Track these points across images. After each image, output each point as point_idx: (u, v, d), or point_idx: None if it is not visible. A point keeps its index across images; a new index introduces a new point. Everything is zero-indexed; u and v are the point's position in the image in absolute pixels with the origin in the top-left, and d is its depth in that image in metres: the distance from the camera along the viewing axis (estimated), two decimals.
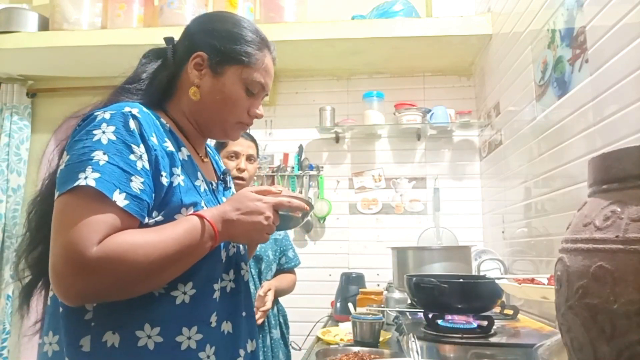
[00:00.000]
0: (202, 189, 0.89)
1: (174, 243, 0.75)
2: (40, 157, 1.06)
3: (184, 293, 0.81)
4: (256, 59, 0.93)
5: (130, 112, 0.80)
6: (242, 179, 1.75)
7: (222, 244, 0.88)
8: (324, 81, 2.87)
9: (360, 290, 2.02)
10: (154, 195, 0.79)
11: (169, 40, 0.97)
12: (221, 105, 0.92)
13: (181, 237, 0.76)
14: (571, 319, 0.50)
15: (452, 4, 2.51)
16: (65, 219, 0.72)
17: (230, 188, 1.05)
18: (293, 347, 2.08)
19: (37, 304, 0.88)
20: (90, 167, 0.73)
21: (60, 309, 0.79)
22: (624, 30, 1.11)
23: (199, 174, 0.90)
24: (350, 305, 1.85)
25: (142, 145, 0.78)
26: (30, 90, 2.99)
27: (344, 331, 1.67)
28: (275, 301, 1.89)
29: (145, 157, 0.78)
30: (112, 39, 2.43)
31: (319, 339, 1.63)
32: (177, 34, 0.99)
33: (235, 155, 1.78)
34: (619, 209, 0.48)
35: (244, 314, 0.93)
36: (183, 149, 0.89)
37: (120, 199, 0.73)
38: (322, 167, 2.78)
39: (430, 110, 2.61)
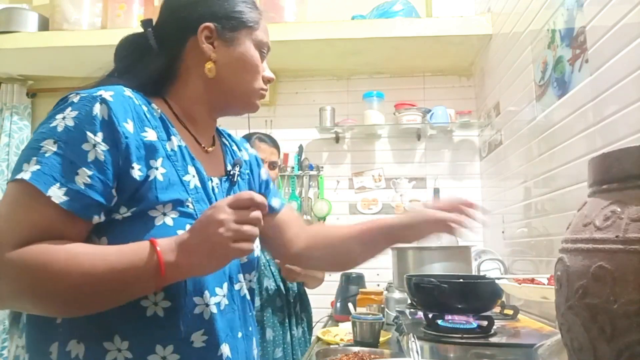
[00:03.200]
0: (191, 185, 0.77)
1: (104, 265, 0.65)
2: None
3: (155, 304, 0.71)
4: (258, 19, 0.89)
5: (100, 95, 0.70)
6: None
7: None
8: (324, 81, 2.87)
9: (360, 290, 2.02)
10: (114, 190, 0.69)
11: (147, 23, 0.87)
12: (243, 73, 0.86)
13: (116, 261, 0.65)
14: (571, 319, 0.50)
15: (452, 4, 2.51)
16: None
17: (237, 183, 0.92)
18: None
19: None
20: (35, 157, 0.66)
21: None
22: (624, 30, 1.11)
23: (190, 167, 0.79)
24: (350, 305, 1.85)
25: (100, 134, 0.68)
26: (30, 90, 2.99)
27: (344, 331, 1.67)
28: (300, 299, 1.89)
29: (101, 147, 0.68)
30: (112, 39, 2.38)
31: (319, 339, 1.63)
32: None
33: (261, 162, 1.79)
34: (619, 209, 0.48)
35: (239, 334, 0.82)
36: (173, 138, 0.78)
37: (58, 194, 0.64)
38: (322, 167, 2.78)
39: (430, 110, 2.61)
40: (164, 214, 0.72)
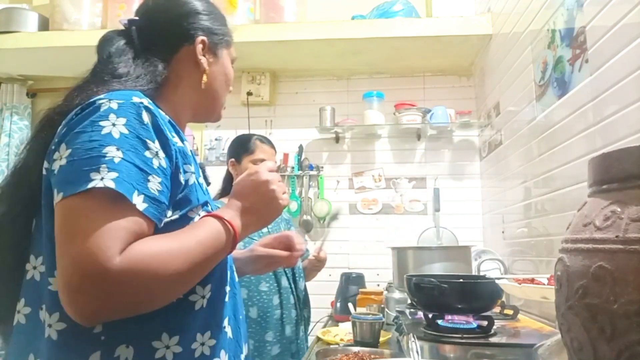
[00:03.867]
0: (204, 187, 0.83)
1: (198, 248, 0.69)
2: None
3: (203, 297, 0.76)
4: (231, 35, 0.96)
5: (141, 102, 0.71)
6: None
7: None
8: (324, 81, 2.87)
9: (360, 290, 2.02)
10: (169, 195, 0.72)
11: (133, 22, 0.88)
12: (224, 87, 0.94)
13: (205, 241, 0.70)
14: (571, 319, 0.50)
15: (452, 4, 2.51)
16: (77, 226, 0.61)
17: (210, 184, 0.99)
18: None
19: None
20: (104, 165, 0.63)
21: (57, 327, 0.67)
22: (624, 30, 1.11)
23: (200, 170, 0.84)
24: (350, 305, 1.85)
25: (157, 142, 0.70)
26: (30, 90, 2.99)
27: (344, 331, 1.67)
28: (304, 296, 1.93)
29: (161, 154, 0.70)
30: None
31: (319, 339, 1.63)
32: None
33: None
34: (619, 209, 0.48)
35: (240, 317, 0.88)
36: (185, 143, 0.81)
37: (139, 201, 0.64)
38: (322, 167, 2.78)
39: (430, 110, 2.61)
40: (198, 215, 0.77)
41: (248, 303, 1.75)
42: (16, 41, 2.52)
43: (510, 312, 1.36)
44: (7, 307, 0.74)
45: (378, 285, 2.42)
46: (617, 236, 0.46)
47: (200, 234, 0.71)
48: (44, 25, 2.60)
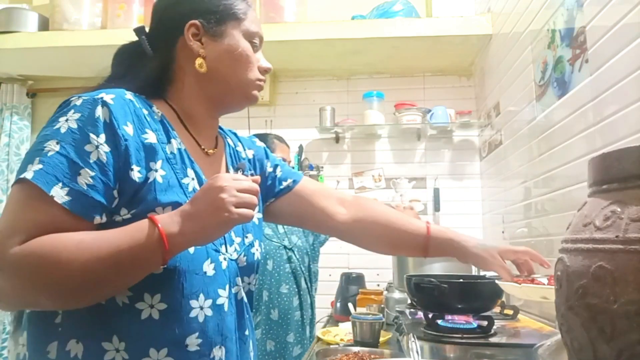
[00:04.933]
0: (190, 188, 0.78)
1: (109, 248, 0.65)
2: None
3: (151, 306, 0.71)
4: (246, 9, 0.88)
5: (102, 98, 0.71)
6: None
7: (210, 257, 0.78)
8: (324, 81, 2.88)
9: (360, 290, 2.02)
10: (116, 191, 0.70)
11: (140, 30, 0.87)
12: (235, 65, 0.85)
13: (119, 242, 0.66)
14: (571, 319, 0.50)
15: (452, 4, 2.51)
16: (2, 216, 0.67)
17: None
18: None
19: None
20: (38, 157, 0.66)
21: (27, 310, 0.73)
22: (624, 30, 1.11)
23: (190, 170, 0.80)
24: (350, 305, 1.85)
25: (103, 135, 0.69)
26: (30, 90, 2.99)
27: (344, 331, 1.67)
28: (309, 301, 1.97)
29: (104, 148, 0.68)
30: (112, 39, 2.42)
31: (319, 339, 1.62)
32: None
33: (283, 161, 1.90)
34: (619, 209, 0.48)
35: (234, 337, 0.83)
36: (173, 141, 0.79)
37: (60, 194, 0.65)
38: (322, 167, 2.78)
39: (430, 110, 2.61)
40: None
41: (269, 305, 1.77)
42: (16, 41, 2.52)
43: (510, 312, 1.36)
44: None
45: (378, 285, 2.42)
46: (617, 236, 0.46)
47: (117, 235, 0.67)
48: (44, 25, 2.60)
